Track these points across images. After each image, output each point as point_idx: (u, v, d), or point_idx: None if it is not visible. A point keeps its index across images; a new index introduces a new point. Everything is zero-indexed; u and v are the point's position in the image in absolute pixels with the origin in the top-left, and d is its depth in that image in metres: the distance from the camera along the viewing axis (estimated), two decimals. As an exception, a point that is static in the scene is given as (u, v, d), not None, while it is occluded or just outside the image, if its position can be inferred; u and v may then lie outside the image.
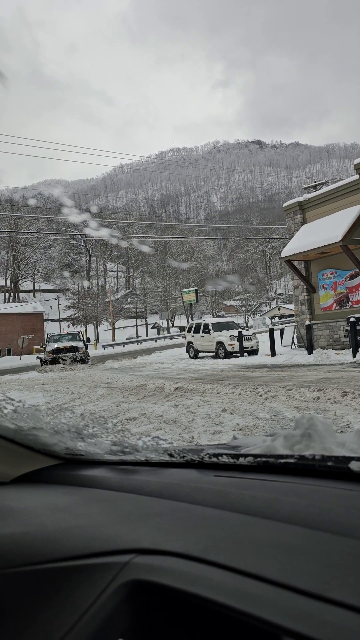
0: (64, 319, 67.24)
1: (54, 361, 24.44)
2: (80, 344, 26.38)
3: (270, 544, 0.69)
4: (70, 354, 24.96)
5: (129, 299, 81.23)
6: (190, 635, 0.64)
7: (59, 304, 69.62)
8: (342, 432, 1.25)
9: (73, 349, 25.44)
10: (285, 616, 0.54)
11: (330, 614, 0.53)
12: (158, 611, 0.67)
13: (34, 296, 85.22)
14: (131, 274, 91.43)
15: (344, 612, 0.52)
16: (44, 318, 65.58)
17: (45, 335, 31.25)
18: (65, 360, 24.49)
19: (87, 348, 26.92)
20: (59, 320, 67.11)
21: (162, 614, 0.67)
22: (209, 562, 0.67)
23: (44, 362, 24.84)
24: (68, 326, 60.10)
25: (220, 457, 1.10)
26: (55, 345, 25.58)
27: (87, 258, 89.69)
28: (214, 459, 1.10)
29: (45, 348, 27.05)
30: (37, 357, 26.78)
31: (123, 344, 50.51)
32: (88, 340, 30.45)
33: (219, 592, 0.61)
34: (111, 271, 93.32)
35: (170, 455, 1.19)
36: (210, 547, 0.71)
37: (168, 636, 0.66)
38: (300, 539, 0.69)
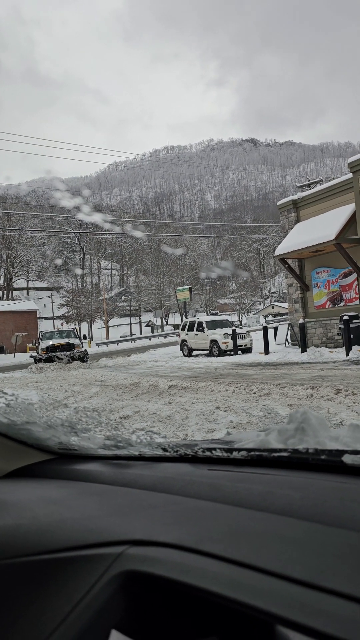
0: (58, 317, 67.07)
1: (49, 359, 22.66)
2: (76, 341, 24.48)
3: (265, 535, 0.69)
4: (68, 352, 23.04)
5: (123, 297, 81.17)
6: (184, 624, 0.64)
7: (52, 302, 69.45)
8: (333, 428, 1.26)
9: (69, 346, 23.62)
10: (279, 605, 0.54)
11: (324, 602, 0.53)
12: (152, 602, 0.67)
13: (28, 294, 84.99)
14: (125, 272, 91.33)
15: (338, 601, 0.53)
16: (38, 316, 65.40)
17: (38, 333, 28.23)
18: (62, 358, 22.61)
19: (83, 346, 25.03)
20: (52, 318, 66.96)
21: (156, 605, 0.67)
22: (203, 553, 0.67)
23: (37, 360, 23.07)
24: (62, 324, 59.86)
25: (214, 451, 1.10)
26: (50, 342, 23.76)
27: (81, 256, 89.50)
28: (208, 453, 1.10)
29: (38, 346, 25.01)
30: (31, 356, 24.59)
31: (117, 342, 50.46)
32: (84, 337, 28.37)
33: (213, 582, 0.61)
34: (105, 269, 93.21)
35: (164, 449, 1.19)
36: (205, 538, 0.70)
37: (162, 626, 0.66)
38: (295, 531, 0.69)
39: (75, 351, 23.31)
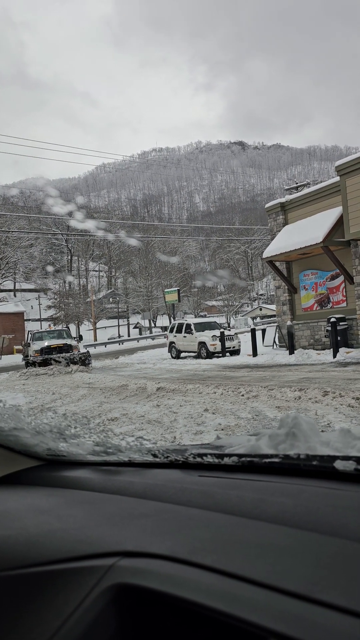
0: (45, 319, 66.69)
1: (45, 363, 19.86)
2: (74, 342, 21.81)
3: (258, 545, 0.69)
4: (67, 354, 20.23)
5: (111, 299, 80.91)
6: (177, 638, 0.63)
7: (39, 304, 69.04)
8: (322, 431, 1.26)
9: (67, 347, 20.90)
10: (274, 619, 0.53)
11: (319, 616, 0.52)
12: (144, 615, 0.66)
13: (15, 295, 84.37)
14: (113, 273, 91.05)
15: (334, 614, 0.52)
16: (25, 318, 64.98)
17: (26, 334, 25.07)
18: (59, 361, 19.82)
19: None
20: (40, 320, 66.55)
21: (148, 618, 0.65)
22: (195, 565, 0.66)
23: (31, 364, 20.32)
24: (49, 326, 59.48)
25: (204, 457, 1.09)
26: (46, 343, 21.08)
27: (69, 257, 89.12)
28: (199, 459, 1.10)
29: (27, 348, 22.18)
30: (24, 359, 21.75)
31: (105, 344, 50.23)
32: (80, 338, 26.24)
33: (206, 595, 0.60)
34: (93, 271, 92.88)
35: (154, 455, 1.18)
36: (197, 549, 0.69)
37: None
38: (288, 540, 0.69)
39: (74, 353, 20.60)
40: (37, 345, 21.13)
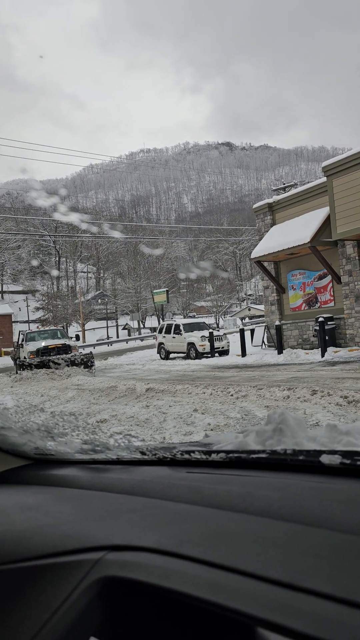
0: (34, 321, 66.30)
1: (42, 365, 17.52)
2: (72, 342, 19.95)
3: (244, 536, 0.69)
4: (67, 356, 18.07)
5: (99, 300, 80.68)
6: (165, 629, 0.63)
7: (27, 306, 68.63)
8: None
9: (65, 348, 18.91)
10: (259, 607, 0.54)
11: (304, 603, 0.53)
12: (132, 607, 0.66)
13: (2, 297, 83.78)
14: (101, 275, 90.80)
15: (319, 601, 0.53)
16: (13, 320, 64.54)
17: (17, 335, 22.63)
18: (59, 363, 17.57)
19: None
20: (28, 321, 66.16)
21: (136, 610, 0.66)
22: (182, 557, 0.66)
23: (25, 366, 17.65)
24: (37, 327, 59.11)
25: (192, 454, 1.09)
26: (42, 344, 19.01)
27: (57, 259, 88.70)
28: (187, 456, 1.10)
29: (19, 349, 20.15)
30: (17, 362, 18.95)
31: (93, 345, 50.07)
32: (77, 338, 22.82)
33: (193, 586, 0.60)
34: (81, 272, 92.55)
35: (142, 453, 1.18)
36: (184, 542, 0.70)
37: (142, 632, 0.65)
38: (274, 531, 0.69)
39: (75, 354, 18.44)
40: (31, 346, 19.09)
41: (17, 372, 18.48)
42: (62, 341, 19.51)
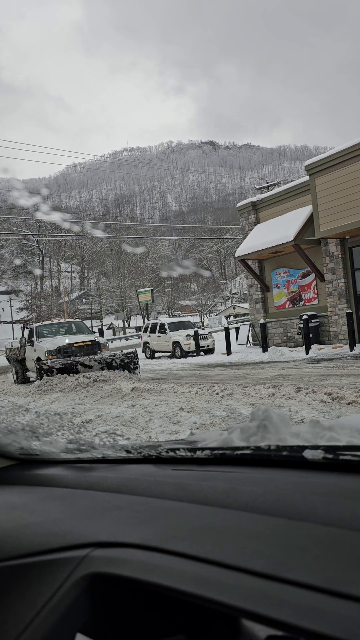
0: (17, 321, 65.73)
1: (70, 369, 12.76)
2: (101, 339, 15.69)
3: (229, 531, 0.70)
4: (100, 357, 13.37)
5: (83, 300, 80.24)
6: (151, 624, 0.64)
7: (11, 306, 68.02)
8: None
9: (94, 347, 14.64)
10: (243, 598, 0.55)
11: (287, 593, 0.54)
12: (118, 603, 0.67)
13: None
14: (86, 274, 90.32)
15: (301, 591, 0.54)
16: (-4, 320, 63.92)
17: (22, 330, 17.75)
18: (90, 366, 12.96)
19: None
20: (12, 322, 65.59)
21: (122, 606, 0.66)
22: (167, 552, 0.67)
23: (46, 371, 12.62)
24: (21, 328, 58.55)
25: (177, 452, 1.10)
26: (67, 340, 14.51)
27: (41, 259, 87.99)
28: (172, 454, 1.11)
29: (24, 348, 15.78)
30: (38, 366, 12.88)
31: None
32: (101, 333, 18.12)
33: (179, 580, 0.61)
34: (65, 272, 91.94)
35: (128, 451, 1.19)
36: (169, 537, 0.71)
37: (129, 627, 0.66)
38: (258, 525, 0.70)
39: (116, 354, 13.63)
40: (48, 344, 14.54)
41: (22, 377, 15.77)
42: (89, 337, 15.30)
